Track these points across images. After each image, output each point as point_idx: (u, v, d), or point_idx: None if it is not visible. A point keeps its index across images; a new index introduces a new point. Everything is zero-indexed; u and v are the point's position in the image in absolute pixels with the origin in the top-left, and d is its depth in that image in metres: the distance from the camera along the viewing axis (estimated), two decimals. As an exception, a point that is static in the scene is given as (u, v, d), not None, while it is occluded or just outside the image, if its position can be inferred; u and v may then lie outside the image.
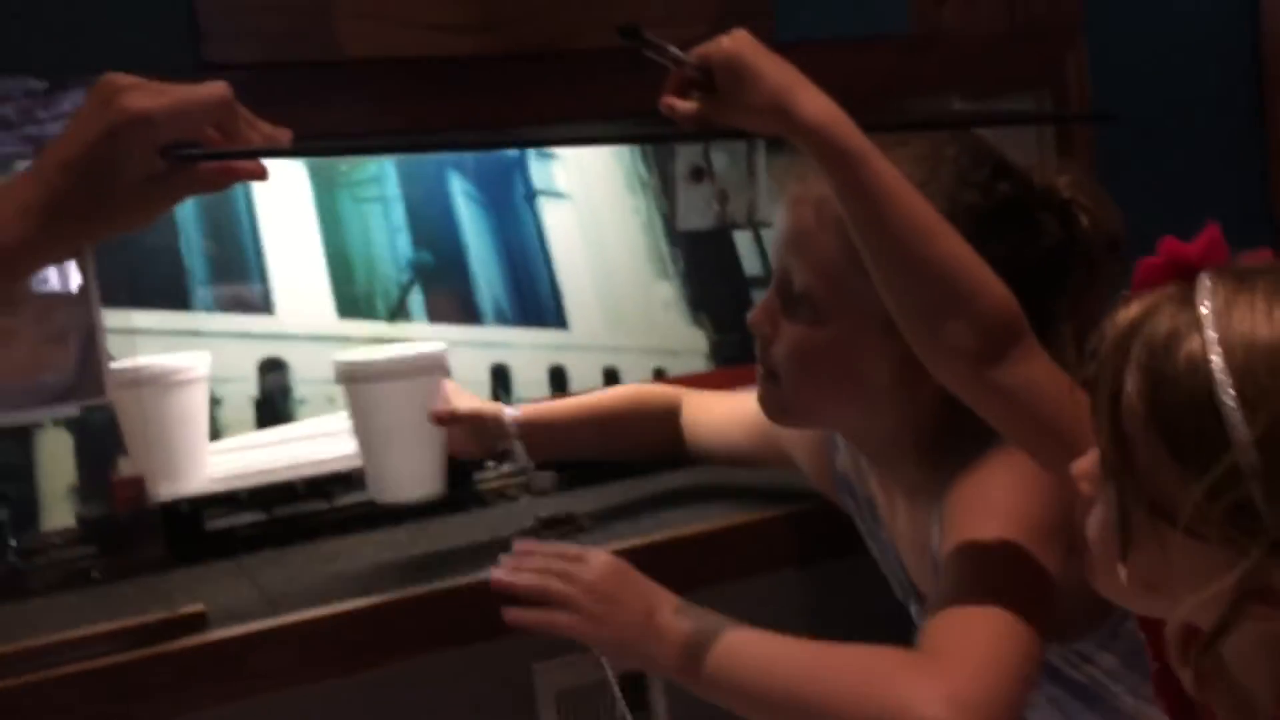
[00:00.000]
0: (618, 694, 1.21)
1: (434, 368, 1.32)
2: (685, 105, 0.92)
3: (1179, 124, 1.64)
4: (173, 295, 1.58)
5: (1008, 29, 1.41)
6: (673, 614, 0.96)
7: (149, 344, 1.53)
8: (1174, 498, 0.67)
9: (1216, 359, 0.65)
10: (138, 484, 1.31)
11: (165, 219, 1.57)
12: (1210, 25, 1.63)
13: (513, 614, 1.00)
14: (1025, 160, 1.07)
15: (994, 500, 0.97)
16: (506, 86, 1.24)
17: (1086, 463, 0.75)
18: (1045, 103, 1.49)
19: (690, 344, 1.88)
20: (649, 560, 1.07)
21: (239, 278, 1.63)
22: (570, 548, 1.03)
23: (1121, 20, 1.53)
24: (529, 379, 1.77)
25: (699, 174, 1.40)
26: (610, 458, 1.49)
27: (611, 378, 1.81)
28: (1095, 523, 0.75)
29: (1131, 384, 0.68)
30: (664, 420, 1.44)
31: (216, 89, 0.80)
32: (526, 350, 1.78)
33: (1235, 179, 1.68)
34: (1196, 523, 0.66)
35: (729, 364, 1.86)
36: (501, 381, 1.76)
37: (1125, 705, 1.06)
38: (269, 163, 0.85)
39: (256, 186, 1.63)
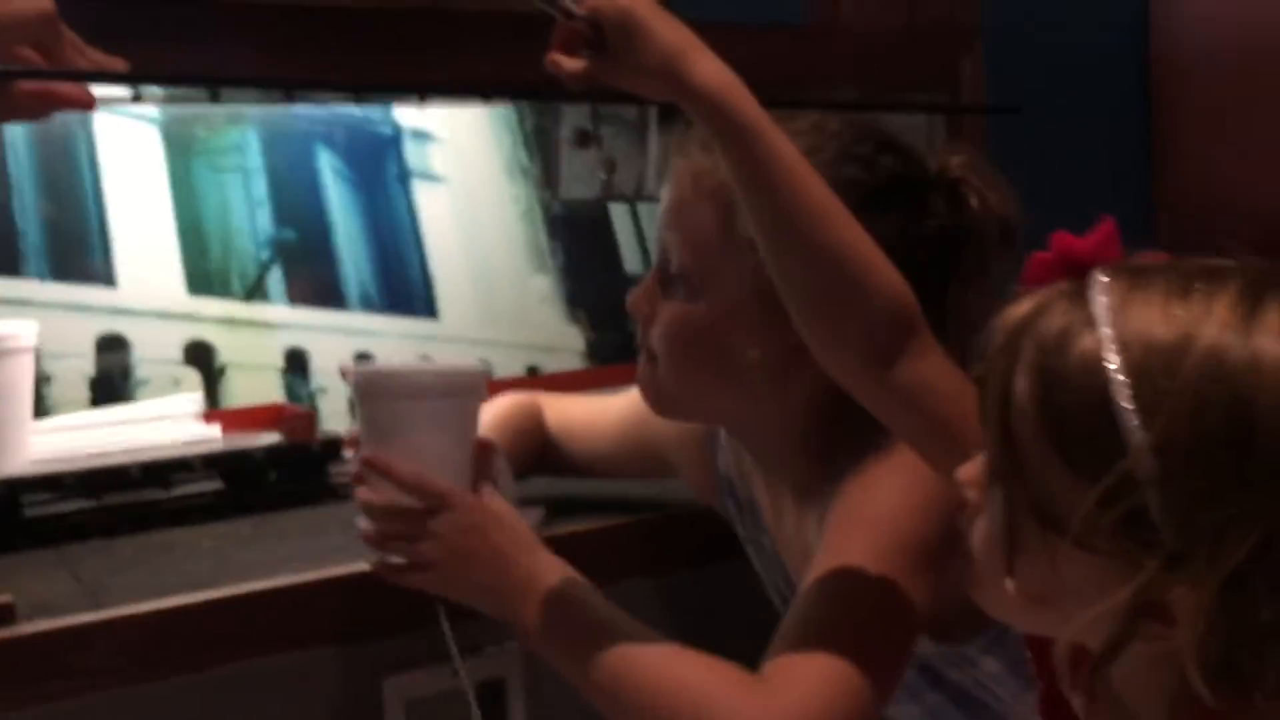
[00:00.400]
0: (474, 705, 1.13)
1: (470, 388, 1.03)
2: (572, 63, 0.85)
3: (1068, 129, 1.64)
4: (1, 259, 1.45)
5: (905, 27, 1.38)
6: (546, 570, 0.94)
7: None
8: (1064, 506, 0.63)
9: (1112, 358, 0.61)
10: (-55, 460, 1.17)
11: (-3, 175, 1.44)
12: (1102, 34, 1.64)
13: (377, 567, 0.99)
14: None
15: (870, 514, 0.93)
16: (386, 44, 1.15)
17: (972, 468, 0.71)
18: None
19: (566, 341, 1.81)
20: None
21: (78, 245, 1.50)
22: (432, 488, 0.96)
23: (1016, 24, 1.52)
24: (394, 370, 1.67)
25: (585, 139, 1.31)
26: None
27: (482, 372, 1.72)
28: (980, 533, 0.70)
29: (1021, 384, 0.64)
30: (534, 433, 1.33)
31: (39, 3, 0.70)
32: (393, 339, 1.68)
33: (1123, 181, 1.69)
34: (1088, 533, 0.62)
35: (606, 363, 1.80)
36: (364, 371, 1.66)
37: (1007, 714, 1.03)
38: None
39: (102, 146, 1.51)
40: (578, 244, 1.82)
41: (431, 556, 0.94)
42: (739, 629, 1.00)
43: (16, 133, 1.47)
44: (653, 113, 1.56)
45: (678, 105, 0.84)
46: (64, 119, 1.49)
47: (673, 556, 1.26)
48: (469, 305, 1.74)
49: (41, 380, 1.45)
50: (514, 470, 1.17)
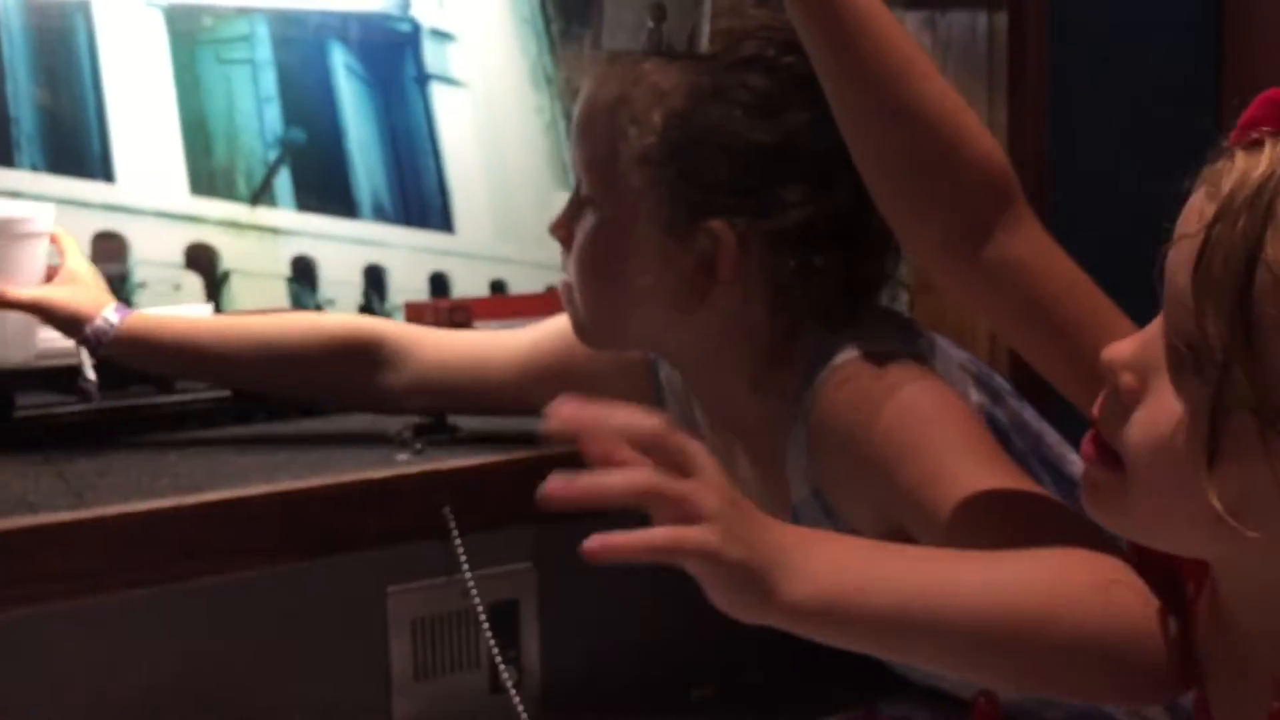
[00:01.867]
0: (486, 626, 1.06)
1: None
2: None
3: (1137, 53, 1.55)
4: (-8, 149, 1.36)
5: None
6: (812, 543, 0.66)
7: (-42, 200, 1.31)
8: None
9: None
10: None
11: (-12, 55, 1.35)
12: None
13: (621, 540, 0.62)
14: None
15: (915, 403, 0.82)
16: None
17: (1129, 348, 0.60)
18: (999, 18, 1.37)
19: (587, 262, 1.72)
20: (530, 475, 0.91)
21: (75, 136, 1.41)
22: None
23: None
24: (407, 285, 1.59)
25: None
26: (275, 392, 1.22)
27: (498, 289, 1.64)
28: (1147, 428, 0.59)
29: (1276, 250, 0.53)
30: (354, 358, 1.16)
31: None
32: (405, 252, 1.60)
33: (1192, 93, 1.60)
34: None
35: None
36: (375, 284, 1.58)
37: None
38: None
39: (102, 31, 1.42)
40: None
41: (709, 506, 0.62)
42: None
43: (12, 14, 1.38)
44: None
45: None
46: (62, 2, 1.40)
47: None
48: (486, 220, 1.65)
49: (33, 278, 1.37)
50: (317, 389, 1.17)
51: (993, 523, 0.73)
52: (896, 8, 1.47)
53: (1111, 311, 0.74)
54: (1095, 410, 0.62)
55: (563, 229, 0.97)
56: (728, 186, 0.88)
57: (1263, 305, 0.53)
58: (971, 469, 0.76)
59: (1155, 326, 0.61)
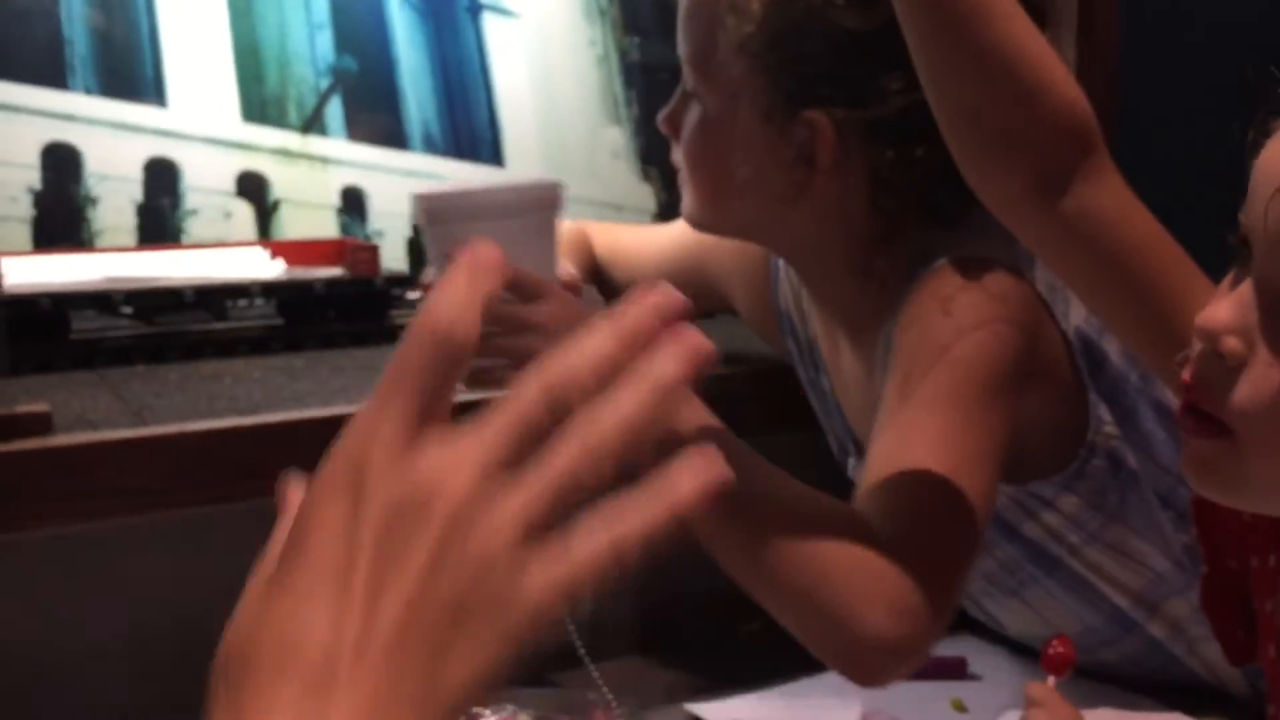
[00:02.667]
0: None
1: (549, 203, 0.92)
2: None
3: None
4: (46, 70, 1.35)
5: None
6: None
7: (9, 121, 1.30)
8: None
9: None
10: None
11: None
12: None
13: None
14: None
15: (939, 338, 0.84)
16: None
17: (1227, 310, 0.58)
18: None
19: (637, 200, 1.70)
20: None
21: (128, 60, 1.40)
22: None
23: None
24: (456, 218, 1.57)
25: None
26: None
27: (548, 225, 1.62)
28: (1259, 387, 0.57)
29: None
30: (585, 262, 1.20)
31: None
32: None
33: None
34: None
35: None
36: (424, 217, 1.56)
37: (1083, 559, 0.96)
38: None
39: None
40: (654, 96, 1.71)
41: (535, 347, 0.76)
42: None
43: (64, -66, 1.37)
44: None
45: None
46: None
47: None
48: (537, 154, 1.64)
49: (86, 202, 1.37)
50: None
51: (895, 478, 0.78)
52: None
53: (1192, 271, 0.71)
54: (1187, 377, 0.60)
55: (668, 123, 0.98)
56: (826, 76, 0.87)
57: None
58: (930, 427, 0.80)
59: (1247, 287, 0.59)
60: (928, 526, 0.78)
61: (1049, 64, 0.72)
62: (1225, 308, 0.59)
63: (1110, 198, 0.71)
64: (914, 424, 0.81)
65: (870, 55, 0.86)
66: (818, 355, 1.07)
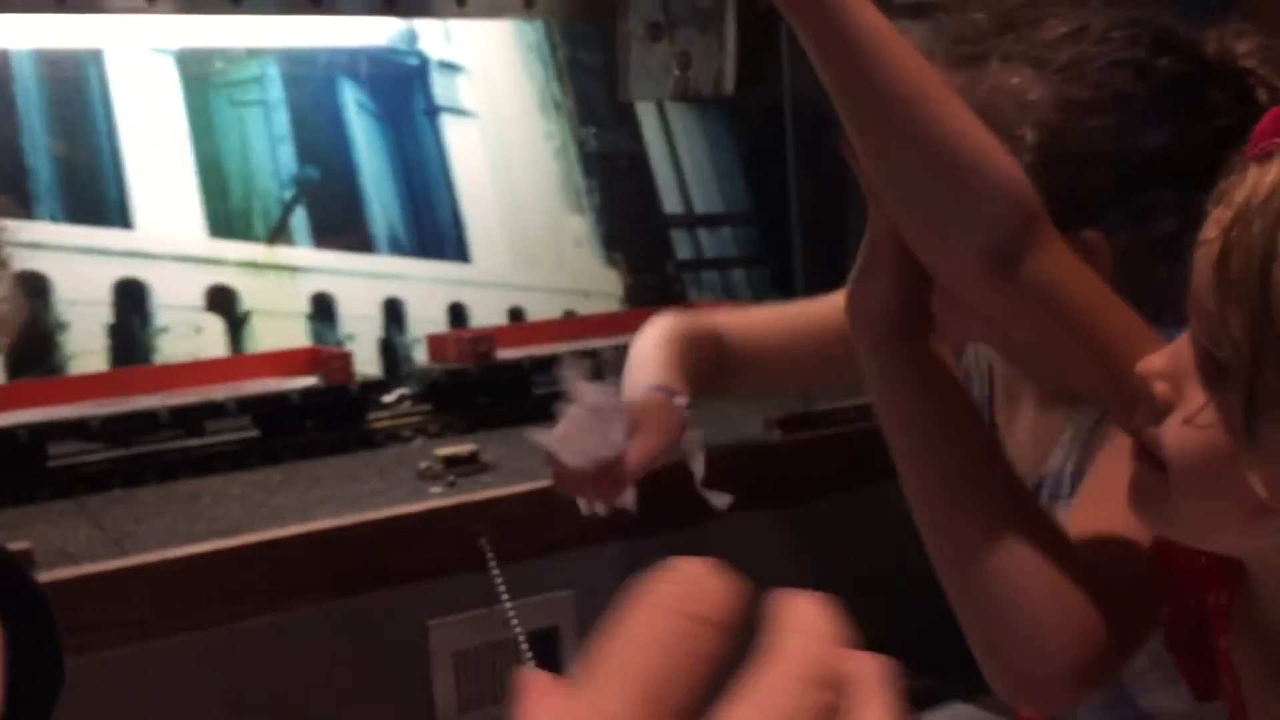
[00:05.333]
0: (528, 654, 1.06)
1: None
2: None
3: None
4: (12, 200, 1.37)
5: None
6: None
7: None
8: None
9: None
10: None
11: (5, 109, 1.36)
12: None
13: None
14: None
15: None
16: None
17: (1160, 359, 0.61)
18: None
19: (603, 285, 1.72)
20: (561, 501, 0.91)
21: (92, 185, 1.42)
22: None
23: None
24: (426, 316, 1.59)
25: (656, 31, 1.17)
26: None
27: (517, 317, 1.64)
28: (1180, 432, 0.60)
29: None
30: (711, 359, 1.09)
31: None
32: (424, 284, 1.60)
33: None
34: None
35: (643, 306, 1.71)
36: (395, 317, 1.58)
37: None
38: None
39: (115, 79, 1.43)
40: (613, 183, 1.74)
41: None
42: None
43: (25, 65, 1.39)
44: (730, 6, 1.43)
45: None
46: (75, 53, 1.41)
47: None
48: (502, 248, 1.66)
49: (57, 328, 1.38)
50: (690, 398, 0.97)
51: (1101, 529, 0.77)
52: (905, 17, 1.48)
53: (1142, 328, 0.74)
54: (1136, 420, 0.63)
55: None
56: (1102, 198, 0.85)
57: None
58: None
59: (1184, 338, 0.62)
60: (1129, 577, 0.76)
61: (982, 141, 0.74)
62: (1159, 356, 0.62)
63: (1057, 263, 0.74)
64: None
65: (1148, 175, 0.83)
66: (992, 414, 1.03)
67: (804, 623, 0.29)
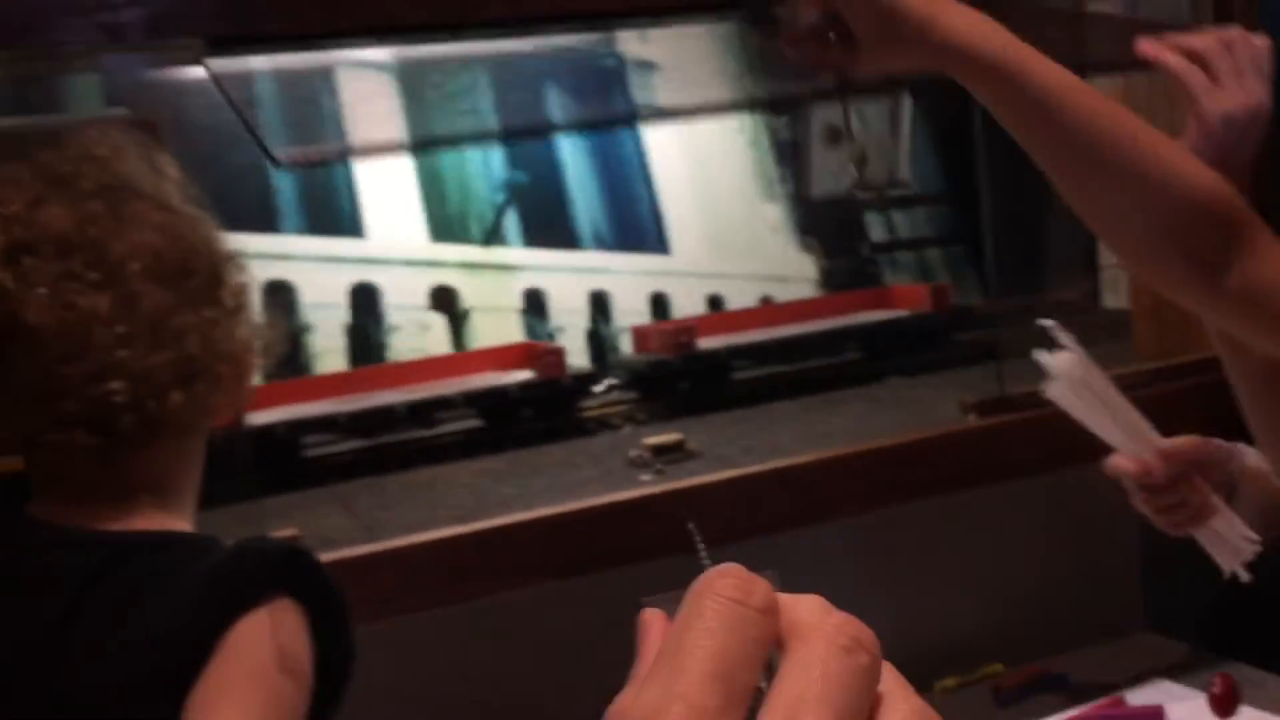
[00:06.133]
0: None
1: None
2: (820, 55, 0.80)
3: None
4: (259, 216, 1.52)
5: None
6: None
7: (237, 266, 1.47)
8: None
9: None
10: (229, 406, 1.24)
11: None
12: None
13: None
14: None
15: None
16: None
17: None
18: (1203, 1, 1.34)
19: (799, 270, 1.77)
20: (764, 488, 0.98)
21: (329, 198, 1.56)
22: None
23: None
24: (629, 307, 1.68)
25: (836, 137, 1.23)
26: None
27: (716, 304, 1.72)
28: None
29: None
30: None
31: None
32: (626, 276, 1.69)
33: None
34: None
35: (840, 289, 1.76)
36: (600, 309, 1.67)
37: None
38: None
39: (344, 99, 1.56)
40: (805, 171, 1.78)
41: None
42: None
43: (266, 91, 1.54)
44: (905, 102, 1.47)
45: (936, 72, 0.78)
46: (307, 75, 1.55)
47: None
48: (700, 238, 1.73)
49: (302, 331, 1.53)
50: None
51: None
52: (1096, -3, 1.47)
53: None
54: None
55: None
56: None
57: None
58: None
59: None
60: None
61: (1182, 165, 0.76)
62: None
63: (1270, 265, 0.75)
64: None
65: None
66: None
67: (814, 606, 0.33)
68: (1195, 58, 0.86)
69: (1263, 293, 0.74)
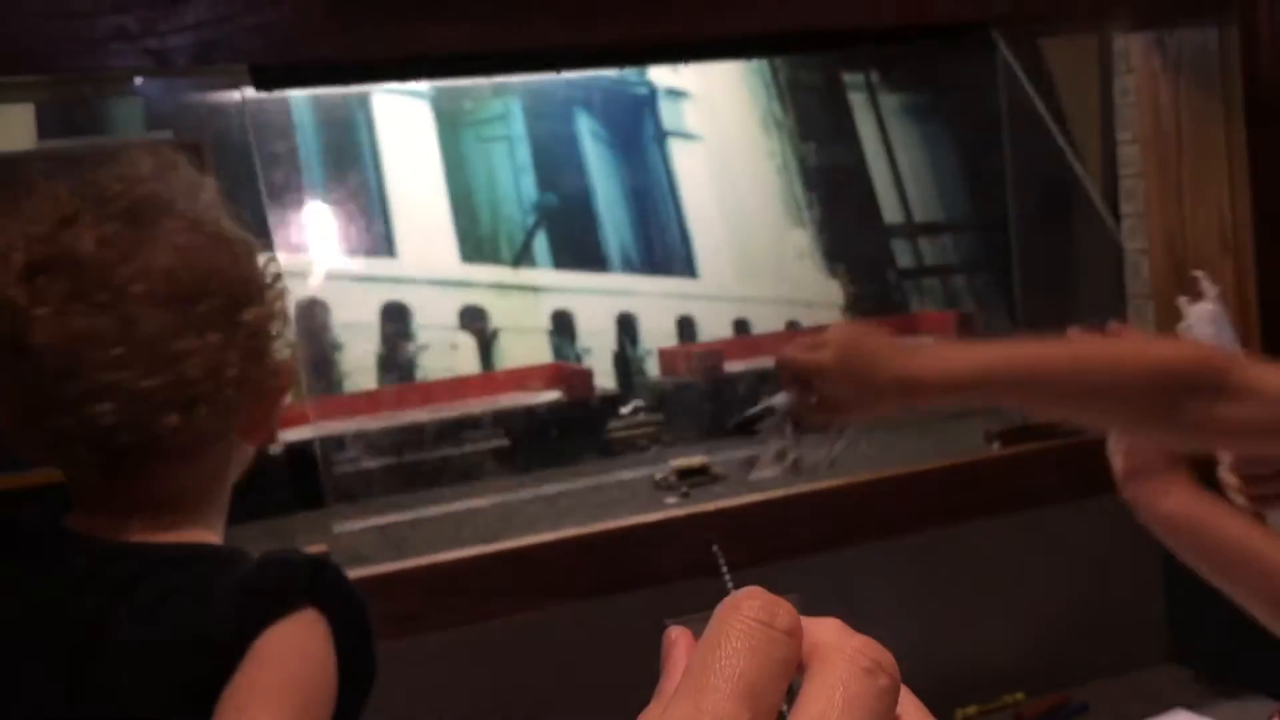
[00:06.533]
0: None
1: None
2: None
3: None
4: (296, 236, 1.54)
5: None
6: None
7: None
8: None
9: None
10: (262, 423, 1.27)
11: (289, 154, 1.54)
12: None
13: None
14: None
15: None
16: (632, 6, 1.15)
17: None
18: (1230, 32, 1.36)
19: (825, 295, 1.78)
20: (788, 512, 0.99)
21: (361, 218, 1.59)
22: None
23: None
24: (656, 328, 1.69)
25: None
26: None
27: (742, 328, 1.73)
28: None
29: None
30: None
31: None
32: (654, 299, 1.70)
33: None
34: None
35: (866, 316, 1.77)
36: (628, 331, 1.69)
37: None
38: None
39: (380, 123, 1.59)
40: (834, 197, 1.80)
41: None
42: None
43: (304, 115, 1.57)
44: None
45: None
46: (345, 100, 1.58)
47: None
48: (727, 262, 1.74)
49: (334, 348, 1.55)
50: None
51: None
52: (1122, 30, 1.48)
53: None
54: None
55: None
56: None
57: None
58: None
59: None
60: None
61: (1150, 356, 0.91)
62: None
63: (1255, 402, 0.87)
64: None
65: None
66: None
67: (835, 629, 0.34)
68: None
69: (1257, 426, 0.87)
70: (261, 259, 0.82)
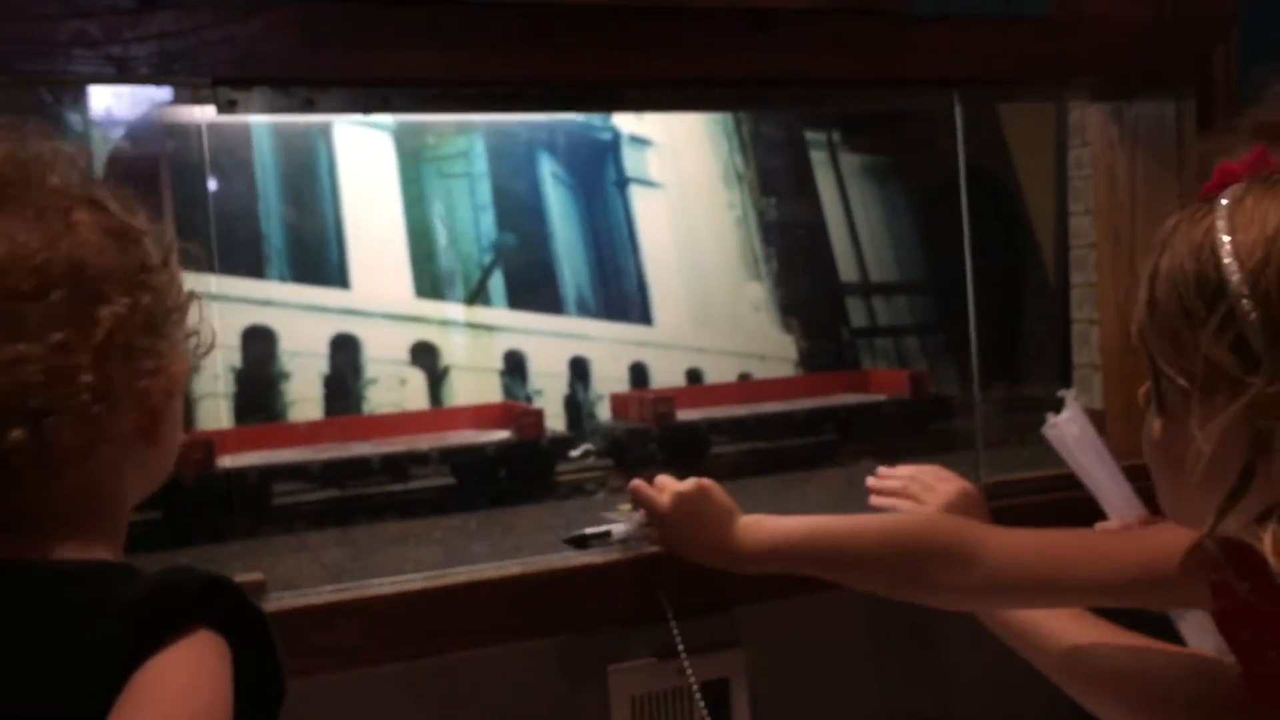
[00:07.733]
0: (701, 703, 1.12)
1: None
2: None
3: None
4: (247, 262, 1.52)
5: (1153, 19, 1.31)
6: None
7: (219, 310, 1.46)
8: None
9: (1221, 225, 0.76)
10: (206, 447, 1.23)
11: (246, 180, 1.52)
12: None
13: None
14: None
15: None
16: (608, 43, 1.15)
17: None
18: (1186, 105, 1.38)
19: (778, 349, 1.79)
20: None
21: (316, 249, 1.57)
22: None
23: (1275, 14, 1.43)
24: (608, 374, 1.68)
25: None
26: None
27: (695, 378, 1.72)
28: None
29: (1164, 262, 0.79)
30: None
31: None
32: (607, 344, 1.69)
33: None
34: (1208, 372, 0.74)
35: (817, 371, 1.77)
36: (580, 375, 1.68)
37: None
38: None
39: (340, 154, 1.57)
40: (790, 252, 1.80)
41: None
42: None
43: (263, 141, 1.55)
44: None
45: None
46: (307, 128, 1.56)
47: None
48: (683, 312, 1.74)
49: (280, 377, 1.52)
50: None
51: None
52: (1082, 99, 1.51)
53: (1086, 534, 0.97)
54: None
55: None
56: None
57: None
58: None
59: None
60: None
61: (882, 548, 1.01)
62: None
63: (1005, 551, 0.94)
64: None
65: None
66: None
67: None
68: (896, 493, 1.18)
69: (1000, 579, 0.93)
70: (151, 246, 0.73)
